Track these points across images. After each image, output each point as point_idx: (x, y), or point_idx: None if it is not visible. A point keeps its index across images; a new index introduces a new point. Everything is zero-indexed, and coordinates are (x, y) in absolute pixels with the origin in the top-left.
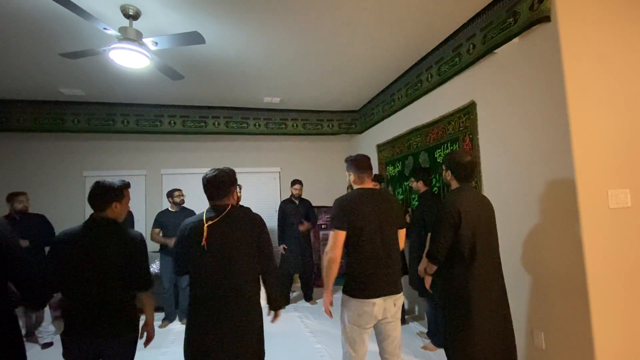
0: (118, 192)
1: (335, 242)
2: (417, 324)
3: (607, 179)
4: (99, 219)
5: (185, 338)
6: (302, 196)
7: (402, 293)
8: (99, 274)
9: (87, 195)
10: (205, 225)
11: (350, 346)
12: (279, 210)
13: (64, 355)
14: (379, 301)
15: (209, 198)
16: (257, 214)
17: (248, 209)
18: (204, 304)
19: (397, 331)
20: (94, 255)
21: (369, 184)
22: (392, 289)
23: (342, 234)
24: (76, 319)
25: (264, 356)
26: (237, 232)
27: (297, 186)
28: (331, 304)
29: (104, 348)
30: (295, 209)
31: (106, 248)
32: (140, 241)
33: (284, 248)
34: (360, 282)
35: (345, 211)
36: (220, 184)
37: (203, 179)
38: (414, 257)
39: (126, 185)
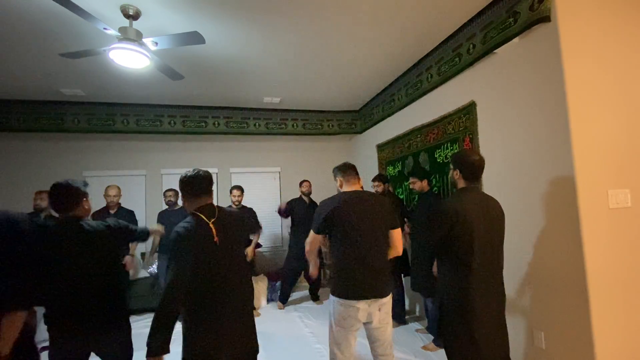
0: (83, 189)
1: (311, 240)
2: (417, 324)
3: (607, 179)
4: (69, 218)
5: (189, 341)
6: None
7: (389, 296)
8: (87, 271)
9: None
10: (210, 223)
11: (336, 347)
12: (287, 204)
13: (51, 356)
14: (362, 305)
15: (197, 195)
16: (240, 212)
17: (246, 207)
18: (213, 300)
19: (387, 334)
20: (81, 252)
21: (357, 186)
22: (377, 293)
23: (316, 237)
24: (65, 320)
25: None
26: (234, 227)
27: (305, 184)
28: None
29: (99, 344)
30: (305, 208)
31: (91, 242)
32: (116, 223)
33: (290, 230)
34: (343, 283)
35: (322, 215)
36: (210, 182)
37: (187, 177)
38: (418, 259)
39: (85, 183)
